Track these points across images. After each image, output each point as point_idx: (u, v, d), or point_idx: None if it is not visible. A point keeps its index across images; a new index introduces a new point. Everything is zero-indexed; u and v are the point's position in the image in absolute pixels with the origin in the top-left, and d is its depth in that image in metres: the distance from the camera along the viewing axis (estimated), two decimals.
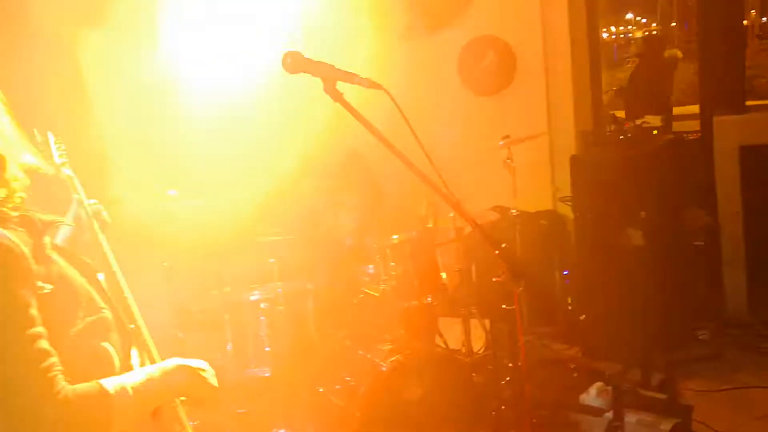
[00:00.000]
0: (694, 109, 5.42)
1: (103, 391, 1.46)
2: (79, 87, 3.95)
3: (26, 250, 1.43)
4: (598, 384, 3.70)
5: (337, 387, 3.42)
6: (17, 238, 1.43)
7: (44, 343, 1.40)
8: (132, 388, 1.53)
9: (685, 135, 5.22)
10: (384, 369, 3.19)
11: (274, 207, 4.32)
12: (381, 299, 3.50)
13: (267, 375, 3.52)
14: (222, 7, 4.89)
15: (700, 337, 4.46)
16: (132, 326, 1.81)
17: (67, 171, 2.16)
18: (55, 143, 2.20)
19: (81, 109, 3.95)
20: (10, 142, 1.55)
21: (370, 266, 3.72)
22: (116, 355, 1.62)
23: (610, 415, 3.47)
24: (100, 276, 1.75)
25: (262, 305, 3.46)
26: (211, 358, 1.97)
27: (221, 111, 4.82)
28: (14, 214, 1.50)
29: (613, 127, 4.82)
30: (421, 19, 5.35)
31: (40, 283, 1.44)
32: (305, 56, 1.84)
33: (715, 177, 4.71)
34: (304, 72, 1.84)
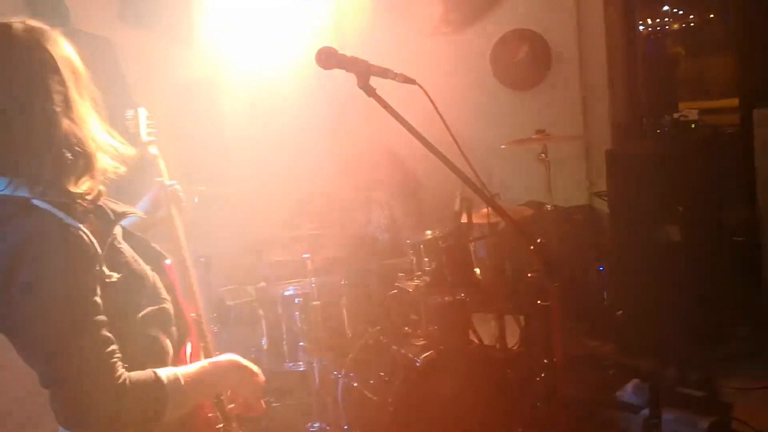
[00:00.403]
0: (733, 102, 5.32)
1: (158, 380, 1.50)
2: (120, 84, 4.00)
3: (95, 239, 1.48)
4: (635, 381, 3.66)
5: (371, 382, 3.43)
6: (88, 228, 1.48)
7: (106, 331, 1.46)
8: (185, 378, 1.56)
9: (723, 129, 5.13)
10: (417, 364, 3.19)
11: (308, 202, 4.34)
12: (414, 295, 3.50)
13: (302, 369, 3.54)
14: (257, 4, 4.92)
15: (738, 334, 4.39)
16: (193, 315, 1.88)
17: (153, 150, 2.19)
18: (147, 119, 2.18)
19: (120, 106, 4.00)
20: (96, 132, 1.59)
21: (404, 262, 3.72)
22: (171, 346, 1.68)
23: (646, 412, 3.43)
24: (167, 262, 1.82)
25: (296, 300, 3.47)
26: (245, 352, 2.00)
27: (257, 108, 4.85)
28: (87, 203, 1.55)
29: (649, 120, 4.76)
30: (455, 13, 5.32)
31: (107, 272, 1.50)
32: (339, 52, 1.85)
33: (754, 171, 4.62)
34: (338, 67, 1.84)
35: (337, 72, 1.88)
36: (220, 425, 1.81)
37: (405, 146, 4.46)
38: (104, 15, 3.92)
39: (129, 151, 1.68)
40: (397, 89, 1.98)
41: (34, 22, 1.56)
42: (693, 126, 4.52)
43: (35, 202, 1.46)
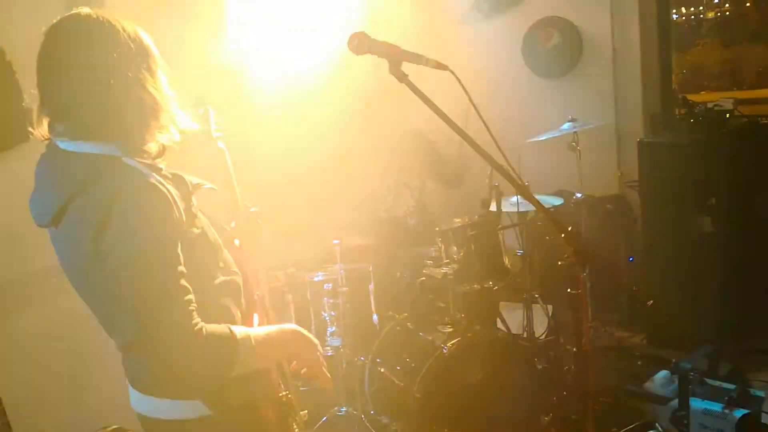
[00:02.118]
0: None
1: (232, 334, 1.59)
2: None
3: (177, 196, 1.61)
4: (664, 372, 3.63)
5: (398, 368, 3.45)
6: (170, 186, 1.61)
7: (185, 282, 1.55)
8: (254, 338, 1.65)
9: (759, 119, 5.05)
10: (444, 352, 3.20)
11: (338, 189, 4.35)
12: (442, 282, 3.50)
13: (329, 354, 3.56)
14: None
15: None
16: (257, 294, 1.99)
17: (221, 144, 2.29)
18: (215, 117, 2.31)
19: None
20: (168, 98, 1.72)
21: (432, 249, 3.72)
22: (240, 318, 1.78)
23: (675, 403, 3.41)
24: (236, 242, 1.98)
25: (325, 286, 3.49)
26: None
27: (286, 94, 4.86)
28: (167, 170, 1.70)
29: (683, 110, 4.69)
30: (487, 1, 5.29)
31: (188, 227, 1.61)
32: (371, 37, 1.84)
33: None
34: (370, 53, 1.84)
35: (368, 57, 1.88)
36: (285, 393, 1.93)
37: (435, 132, 4.46)
38: (138, 2, 3.95)
39: (194, 125, 1.82)
40: (429, 76, 1.98)
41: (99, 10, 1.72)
42: (727, 116, 4.45)
43: (126, 160, 1.60)
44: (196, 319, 1.53)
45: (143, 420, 1.79)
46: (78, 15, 1.70)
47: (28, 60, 3.12)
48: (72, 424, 3.09)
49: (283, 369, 1.93)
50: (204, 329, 1.53)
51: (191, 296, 1.55)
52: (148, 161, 1.67)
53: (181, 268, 1.55)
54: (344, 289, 3.43)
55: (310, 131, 4.82)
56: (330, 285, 3.49)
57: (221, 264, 1.78)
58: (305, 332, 1.85)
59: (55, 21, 1.73)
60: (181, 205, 1.62)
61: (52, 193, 1.62)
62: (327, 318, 3.48)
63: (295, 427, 1.94)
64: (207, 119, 2.25)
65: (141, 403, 1.76)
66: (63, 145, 1.64)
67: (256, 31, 4.74)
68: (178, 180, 1.72)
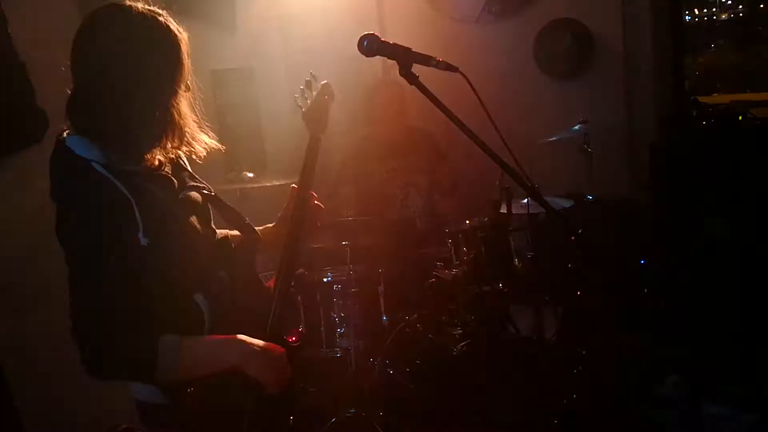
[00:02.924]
0: None
1: (152, 348, 1.62)
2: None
3: (138, 207, 1.66)
4: (674, 375, 3.61)
5: (408, 370, 3.44)
6: (135, 196, 1.67)
7: (120, 289, 1.63)
8: (186, 349, 1.68)
9: None
10: (454, 354, 3.20)
11: (346, 188, 4.35)
12: (452, 284, 3.49)
13: (338, 356, 3.56)
14: None
15: None
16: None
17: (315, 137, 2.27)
18: (322, 96, 2.28)
19: None
20: (187, 118, 1.80)
21: (442, 251, 3.71)
22: (211, 313, 1.81)
23: (686, 407, 3.39)
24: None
25: (334, 287, 3.49)
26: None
27: (293, 95, 4.87)
28: (152, 172, 1.78)
29: (695, 112, 4.67)
30: (498, 2, 5.28)
31: (141, 236, 1.66)
32: (381, 39, 1.85)
33: None
34: (381, 55, 1.85)
35: (378, 59, 1.88)
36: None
37: (445, 134, 4.46)
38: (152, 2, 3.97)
39: (213, 144, 1.92)
40: (439, 78, 1.98)
41: (154, 7, 1.76)
42: (740, 118, 4.43)
43: (95, 165, 1.67)
44: (120, 331, 1.61)
45: (137, 402, 1.90)
46: (120, 7, 1.73)
47: (42, 61, 3.15)
48: (83, 423, 3.10)
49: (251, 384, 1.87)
50: (125, 343, 1.61)
51: (126, 303, 1.62)
52: (126, 167, 1.72)
53: (118, 276, 1.62)
54: (354, 290, 3.42)
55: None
56: (339, 286, 3.48)
57: (202, 261, 1.81)
58: (254, 344, 1.80)
59: (94, 11, 1.74)
60: (143, 212, 1.67)
61: (51, 181, 1.73)
62: (336, 319, 3.48)
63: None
64: (313, 90, 2.25)
65: (134, 386, 1.88)
66: (66, 139, 1.73)
67: (265, 33, 4.75)
68: (160, 182, 1.79)
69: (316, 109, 2.22)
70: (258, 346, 1.81)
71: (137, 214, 1.66)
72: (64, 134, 1.75)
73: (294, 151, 4.41)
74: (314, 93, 2.25)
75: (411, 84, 1.84)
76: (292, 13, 4.88)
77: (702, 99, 4.82)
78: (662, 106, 5.04)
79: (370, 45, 1.84)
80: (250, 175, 4.30)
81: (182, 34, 1.76)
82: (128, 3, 1.72)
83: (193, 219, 1.84)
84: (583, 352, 3.72)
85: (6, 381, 2.45)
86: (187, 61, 1.76)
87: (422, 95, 1.86)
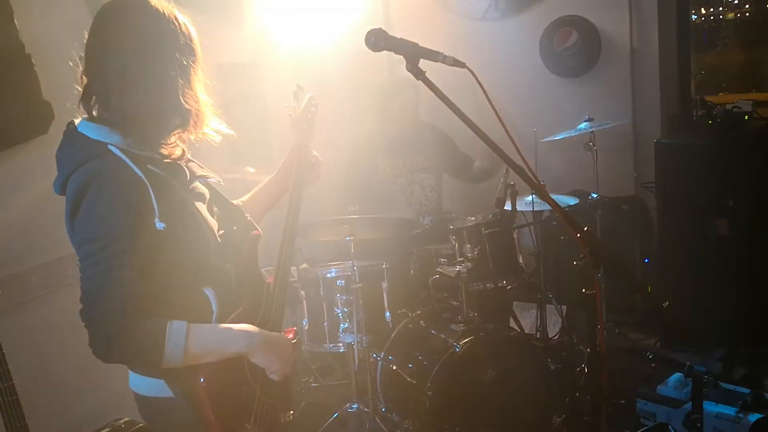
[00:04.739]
0: None
1: (161, 331, 1.62)
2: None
3: (154, 191, 1.68)
4: (677, 375, 3.61)
5: (410, 366, 3.44)
6: (150, 180, 1.68)
7: (134, 272, 1.61)
8: (194, 334, 1.67)
9: None
10: (457, 350, 3.19)
11: (351, 185, 4.35)
12: (456, 281, 3.49)
13: (341, 351, 3.56)
14: None
15: None
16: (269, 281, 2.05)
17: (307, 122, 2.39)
18: (309, 106, 2.44)
19: None
20: (203, 103, 1.83)
21: (446, 247, 3.71)
22: (218, 306, 1.81)
23: (688, 407, 3.39)
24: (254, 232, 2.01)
25: (338, 282, 3.49)
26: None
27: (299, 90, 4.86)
28: (165, 160, 1.79)
29: (701, 111, 4.66)
30: None
31: (157, 221, 1.67)
32: (388, 34, 1.84)
33: None
34: (388, 50, 1.84)
35: (384, 54, 1.88)
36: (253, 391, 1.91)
37: (451, 130, 4.45)
38: None
39: (228, 131, 1.94)
40: (446, 74, 1.97)
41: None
42: (746, 118, 4.42)
43: (111, 148, 1.69)
44: (131, 313, 1.59)
45: (135, 396, 1.90)
46: None
47: (47, 53, 3.15)
48: (85, 416, 3.11)
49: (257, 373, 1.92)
50: (135, 324, 1.59)
51: (138, 287, 1.61)
52: (142, 152, 1.73)
53: (134, 259, 1.62)
54: (357, 285, 3.42)
55: (323, 127, 4.82)
56: (343, 281, 3.49)
57: (212, 252, 1.82)
58: (263, 334, 1.87)
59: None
60: (159, 198, 1.68)
61: (60, 169, 1.73)
62: (340, 314, 3.48)
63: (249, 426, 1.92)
64: (300, 103, 2.39)
65: (131, 379, 1.88)
66: (79, 125, 1.75)
67: (271, 27, 4.74)
68: (173, 170, 1.79)
69: (304, 119, 2.39)
70: (265, 334, 1.87)
71: (153, 199, 1.67)
72: (75, 122, 1.76)
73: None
74: (302, 104, 2.41)
75: (418, 79, 1.84)
76: (298, 8, 4.87)
77: (708, 98, 4.80)
78: (668, 104, 5.03)
79: (377, 40, 1.83)
80: (252, 170, 4.29)
81: (191, 27, 1.82)
82: None
83: (203, 210, 1.85)
84: (587, 350, 3.72)
85: (9, 373, 2.45)
86: (193, 49, 1.80)
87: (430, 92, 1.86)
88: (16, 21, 3.04)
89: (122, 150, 1.69)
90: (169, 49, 1.72)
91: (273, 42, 4.73)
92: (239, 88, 4.44)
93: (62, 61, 1.84)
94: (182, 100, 1.74)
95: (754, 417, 3.13)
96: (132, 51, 1.69)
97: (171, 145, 1.83)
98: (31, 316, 3.13)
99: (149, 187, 1.67)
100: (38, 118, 3.10)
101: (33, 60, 3.10)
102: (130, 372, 1.88)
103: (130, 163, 1.67)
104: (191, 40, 1.78)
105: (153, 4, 1.73)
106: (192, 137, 1.87)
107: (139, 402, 1.89)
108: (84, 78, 1.77)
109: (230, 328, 1.79)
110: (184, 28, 1.77)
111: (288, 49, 4.81)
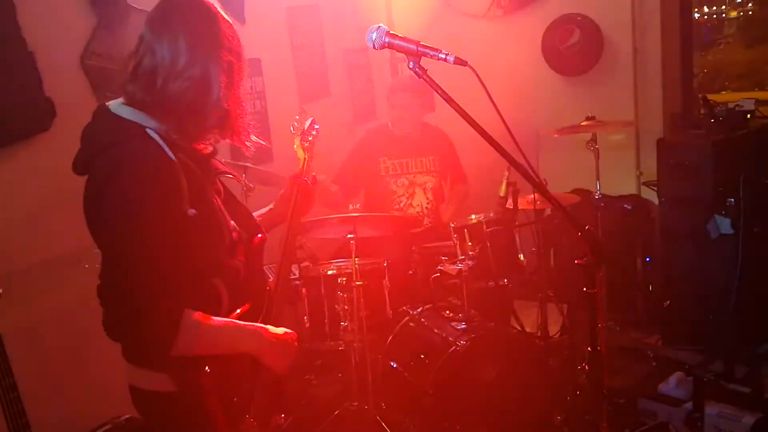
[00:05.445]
0: None
1: (177, 317, 1.64)
2: None
3: (185, 177, 1.71)
4: (678, 374, 3.61)
5: (411, 364, 3.44)
6: (182, 167, 1.71)
7: (162, 254, 1.63)
8: (204, 321, 1.70)
9: None
10: (458, 349, 3.19)
11: (351, 183, 4.34)
12: (457, 279, 3.49)
13: (342, 349, 3.56)
14: None
15: None
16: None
17: (304, 153, 2.41)
18: (312, 129, 2.49)
19: None
20: (241, 109, 1.88)
21: (448, 245, 3.71)
22: (227, 302, 1.84)
23: (689, 406, 3.39)
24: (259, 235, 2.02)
25: (339, 280, 3.49)
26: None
27: (300, 87, 4.86)
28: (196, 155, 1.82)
29: (703, 110, 4.65)
30: None
31: (188, 206, 1.70)
32: (391, 32, 1.84)
33: None
34: (390, 48, 1.83)
35: (386, 52, 1.88)
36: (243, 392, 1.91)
37: (452, 128, 4.44)
38: None
39: (260, 141, 1.97)
40: (447, 72, 1.97)
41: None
42: (748, 116, 4.41)
43: (149, 131, 1.72)
44: (152, 294, 1.62)
45: (131, 389, 1.89)
46: None
47: (50, 50, 3.15)
48: (86, 413, 3.11)
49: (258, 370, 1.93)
50: (156, 306, 1.61)
51: (159, 269, 1.63)
52: (180, 143, 1.76)
53: (157, 237, 1.63)
54: (358, 283, 3.42)
55: (321, 124, 4.82)
56: (344, 279, 3.49)
57: (225, 247, 1.84)
58: (272, 330, 1.90)
59: None
60: (189, 185, 1.71)
61: (87, 147, 1.75)
62: (341, 312, 3.48)
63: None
64: (302, 126, 2.44)
65: (128, 372, 1.86)
66: (112, 107, 1.76)
67: (274, 24, 4.74)
68: (202, 163, 1.83)
69: (305, 139, 2.43)
70: (275, 335, 1.91)
71: (185, 186, 1.70)
72: (108, 104, 1.78)
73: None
74: (306, 125, 2.46)
75: (419, 77, 1.83)
76: (300, 5, 4.87)
77: (710, 96, 4.79)
78: (670, 103, 5.02)
79: (379, 37, 1.83)
80: (251, 166, 4.29)
81: (236, 34, 1.86)
82: None
83: (221, 205, 1.89)
84: (588, 349, 3.72)
85: (10, 370, 2.46)
86: (237, 52, 1.84)
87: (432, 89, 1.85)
88: (18, 18, 3.04)
89: (159, 135, 1.72)
90: (218, 46, 1.77)
91: (275, 39, 4.73)
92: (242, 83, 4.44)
93: (64, 58, 1.85)
94: (222, 99, 1.78)
95: (754, 416, 3.13)
96: (185, 41, 1.72)
97: (206, 142, 1.87)
98: (34, 312, 3.13)
99: (179, 171, 1.70)
100: (40, 114, 3.10)
101: (36, 57, 3.10)
102: (128, 364, 1.86)
103: (167, 149, 1.70)
104: (238, 44, 1.84)
105: (207, 1, 1.80)
106: (229, 142, 1.91)
107: (136, 395, 1.89)
108: (133, 61, 1.79)
109: (243, 327, 1.83)
110: (231, 31, 1.82)
111: (290, 46, 4.81)
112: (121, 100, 1.78)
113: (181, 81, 1.72)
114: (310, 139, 2.44)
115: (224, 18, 1.82)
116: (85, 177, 1.74)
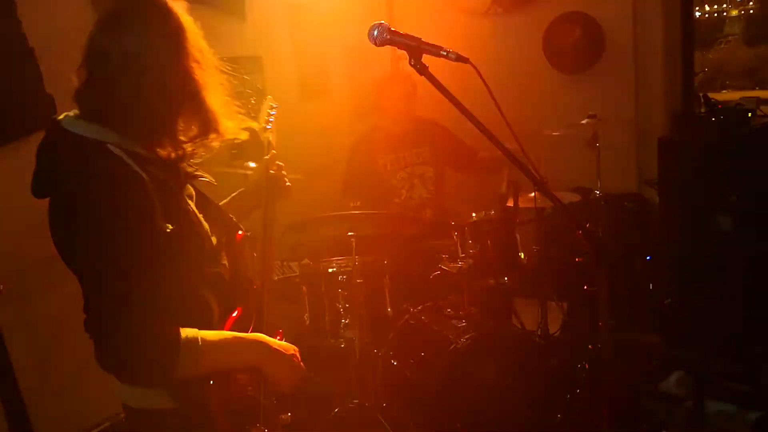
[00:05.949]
0: None
1: (174, 341, 1.57)
2: None
3: (155, 191, 1.61)
4: (679, 372, 3.61)
5: (411, 361, 3.44)
6: (151, 180, 1.61)
7: (140, 274, 1.55)
8: (204, 344, 1.62)
9: None
10: (458, 346, 3.19)
11: (352, 180, 4.34)
12: (457, 277, 3.49)
13: (342, 346, 3.56)
14: None
15: None
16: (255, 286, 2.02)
17: (269, 137, 2.37)
18: (270, 110, 2.44)
19: None
20: (216, 104, 1.76)
21: (448, 243, 3.71)
22: (217, 310, 1.78)
23: (690, 404, 3.39)
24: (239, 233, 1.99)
25: (339, 278, 3.49)
26: (288, 328, 2.04)
27: (301, 84, 4.86)
28: (164, 162, 1.72)
29: (704, 108, 4.64)
30: None
31: (161, 222, 1.61)
32: (391, 28, 1.83)
33: None
34: (391, 44, 1.83)
35: (386, 49, 1.87)
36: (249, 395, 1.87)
37: (452, 127, 4.44)
38: None
39: (240, 135, 1.88)
40: (448, 69, 1.96)
41: None
42: (749, 115, 4.41)
43: (110, 147, 1.61)
44: (144, 324, 1.53)
45: (125, 408, 1.83)
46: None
47: (50, 46, 3.14)
48: (87, 411, 3.11)
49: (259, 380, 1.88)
50: (146, 334, 1.53)
51: (146, 292, 1.54)
52: (141, 152, 1.66)
53: (138, 259, 1.55)
54: (359, 281, 3.42)
55: (323, 122, 4.82)
56: (344, 277, 3.49)
57: (206, 256, 1.78)
58: (272, 343, 1.84)
59: None
60: (160, 198, 1.62)
61: (45, 169, 1.66)
62: (341, 310, 3.48)
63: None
64: (259, 107, 2.37)
65: (121, 391, 1.79)
66: (65, 123, 1.65)
67: (275, 21, 4.73)
68: (170, 171, 1.73)
69: (266, 122, 2.41)
70: (276, 346, 1.85)
71: (155, 201, 1.61)
72: (58, 118, 1.68)
73: (301, 141, 4.42)
74: (264, 108, 2.45)
75: (420, 75, 1.83)
76: (301, 2, 4.86)
77: (712, 95, 4.79)
78: (671, 101, 5.02)
79: (380, 34, 1.82)
80: (252, 164, 4.28)
81: (192, 25, 1.75)
82: None
83: (196, 211, 1.80)
84: (588, 348, 3.72)
85: (11, 368, 2.46)
86: (196, 45, 1.72)
87: (432, 86, 1.85)
88: (18, 14, 3.04)
89: (122, 150, 1.62)
90: (176, 49, 1.67)
91: (276, 36, 4.72)
92: (241, 81, 4.43)
93: (65, 54, 1.83)
94: (186, 95, 1.69)
95: (755, 414, 3.13)
96: (140, 47, 1.63)
97: (175, 147, 1.76)
98: (34, 310, 3.13)
99: (149, 185, 1.61)
100: (41, 111, 3.09)
101: (36, 53, 3.09)
102: (119, 383, 1.77)
103: (132, 164, 1.61)
104: (198, 43, 1.73)
105: (162, 1, 1.69)
106: (215, 144, 1.81)
107: (130, 415, 1.81)
108: (83, 71, 1.68)
109: (243, 339, 1.77)
110: (191, 32, 1.71)
111: (291, 43, 4.80)
112: (73, 113, 1.68)
113: (138, 88, 1.63)
114: (271, 120, 2.39)
115: (179, 15, 1.70)
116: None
